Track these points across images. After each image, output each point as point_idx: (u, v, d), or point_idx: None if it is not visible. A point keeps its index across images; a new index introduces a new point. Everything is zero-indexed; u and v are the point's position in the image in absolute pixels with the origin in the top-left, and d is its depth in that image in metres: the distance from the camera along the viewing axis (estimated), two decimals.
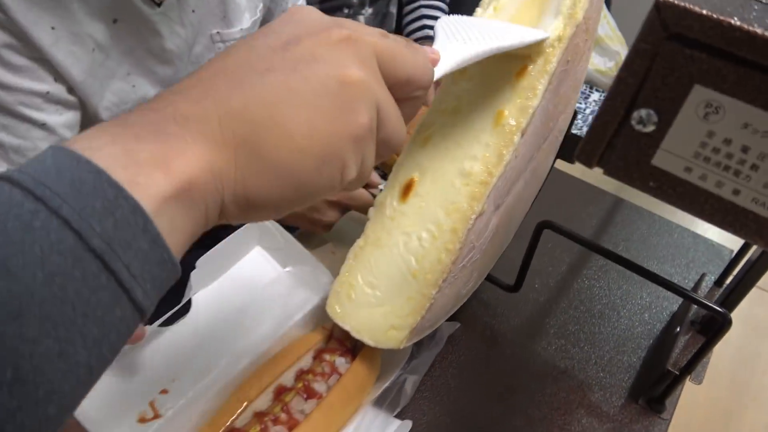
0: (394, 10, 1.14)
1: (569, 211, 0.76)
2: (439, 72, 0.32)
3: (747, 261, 0.49)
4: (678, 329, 0.53)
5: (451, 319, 0.53)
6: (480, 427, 0.50)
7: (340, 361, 0.47)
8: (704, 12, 0.22)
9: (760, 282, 0.47)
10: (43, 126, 0.59)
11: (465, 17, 0.42)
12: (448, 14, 0.40)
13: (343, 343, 0.48)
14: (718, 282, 0.62)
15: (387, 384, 0.48)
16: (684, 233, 0.74)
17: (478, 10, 0.46)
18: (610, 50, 1.08)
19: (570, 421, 0.51)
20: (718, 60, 0.22)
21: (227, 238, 0.51)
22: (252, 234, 0.53)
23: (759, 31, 0.22)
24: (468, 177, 0.44)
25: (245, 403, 0.43)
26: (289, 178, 0.25)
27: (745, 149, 0.24)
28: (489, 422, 0.50)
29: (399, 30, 1.18)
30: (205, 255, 0.48)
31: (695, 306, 0.56)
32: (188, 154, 0.23)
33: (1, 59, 0.53)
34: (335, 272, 0.49)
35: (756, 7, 0.23)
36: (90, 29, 0.58)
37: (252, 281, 0.51)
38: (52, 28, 0.54)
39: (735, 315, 0.45)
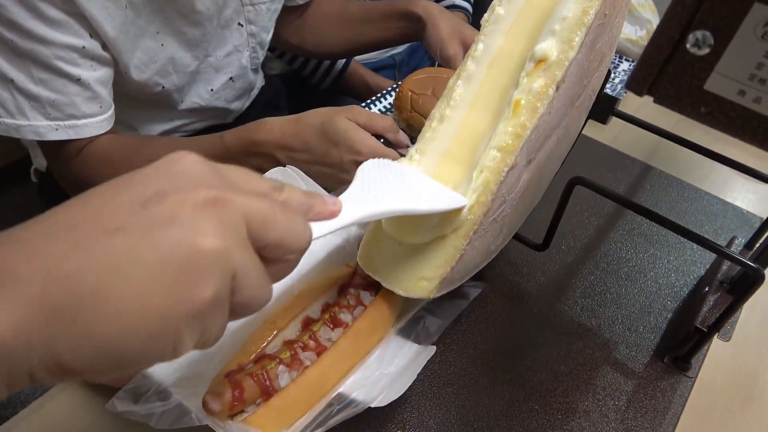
0: None
1: (597, 177, 0.75)
2: (332, 226, 0.31)
3: None
4: (707, 288, 0.53)
5: (478, 279, 0.54)
6: (506, 378, 0.50)
7: (365, 294, 0.48)
8: None
9: None
10: (78, 81, 0.60)
11: (394, 165, 0.42)
12: None
13: (367, 278, 0.49)
14: (748, 245, 0.61)
15: (411, 315, 0.49)
16: (713, 200, 0.73)
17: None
18: (642, 18, 1.06)
19: (595, 377, 0.51)
20: None
21: None
22: (275, 179, 0.54)
23: None
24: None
25: (275, 331, 0.45)
26: (110, 354, 0.23)
27: None
28: (515, 375, 0.51)
29: None
30: None
31: (724, 267, 0.56)
32: None
33: (38, 12, 0.54)
34: None
35: None
36: None
37: None
38: None
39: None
